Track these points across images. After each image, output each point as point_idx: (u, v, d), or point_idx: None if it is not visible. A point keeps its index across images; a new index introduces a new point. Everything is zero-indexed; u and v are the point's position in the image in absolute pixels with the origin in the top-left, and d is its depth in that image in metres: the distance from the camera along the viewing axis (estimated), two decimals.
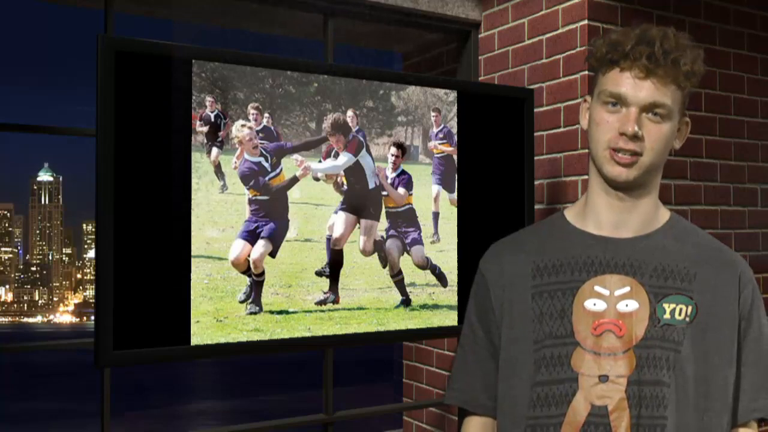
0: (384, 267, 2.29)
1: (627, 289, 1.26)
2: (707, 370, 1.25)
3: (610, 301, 1.26)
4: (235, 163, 2.05)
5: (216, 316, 2.00)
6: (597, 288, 1.27)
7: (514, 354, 1.31)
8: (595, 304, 1.26)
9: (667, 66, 1.21)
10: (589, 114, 1.30)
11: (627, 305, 1.25)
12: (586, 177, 2.54)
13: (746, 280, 1.31)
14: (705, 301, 1.27)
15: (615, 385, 1.23)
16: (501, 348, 1.34)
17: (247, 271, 2.07)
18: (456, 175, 2.41)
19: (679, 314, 1.25)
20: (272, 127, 2.10)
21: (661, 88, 1.22)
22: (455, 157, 2.41)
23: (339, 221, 2.21)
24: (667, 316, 1.25)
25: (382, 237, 2.29)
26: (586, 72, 2.56)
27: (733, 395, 1.28)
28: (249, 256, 2.07)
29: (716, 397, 1.25)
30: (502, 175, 2.49)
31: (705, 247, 1.33)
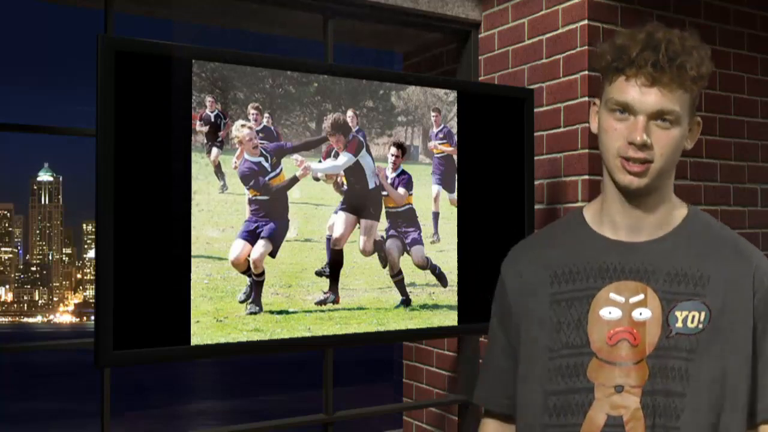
0: (384, 267, 2.29)
1: (641, 296, 1.26)
2: (723, 372, 1.24)
3: (625, 309, 1.26)
4: (235, 163, 2.05)
5: (216, 316, 2.00)
6: (612, 296, 1.27)
7: (532, 361, 1.32)
8: (610, 313, 1.26)
9: (673, 72, 1.20)
10: (597, 119, 1.30)
11: (641, 314, 1.25)
12: (586, 177, 2.55)
13: (761, 275, 1.29)
14: (719, 303, 1.25)
15: (630, 395, 1.23)
16: (520, 353, 1.36)
17: (247, 271, 2.07)
18: (456, 175, 2.41)
19: (692, 322, 1.24)
20: (272, 127, 2.10)
21: (667, 95, 1.21)
22: (455, 157, 2.41)
23: (339, 221, 2.21)
24: (679, 324, 1.24)
25: (382, 237, 2.29)
26: (586, 72, 2.56)
27: (749, 394, 1.27)
28: (249, 256, 2.07)
29: (733, 398, 1.25)
30: (502, 175, 2.49)
31: (719, 246, 1.32)
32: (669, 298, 1.25)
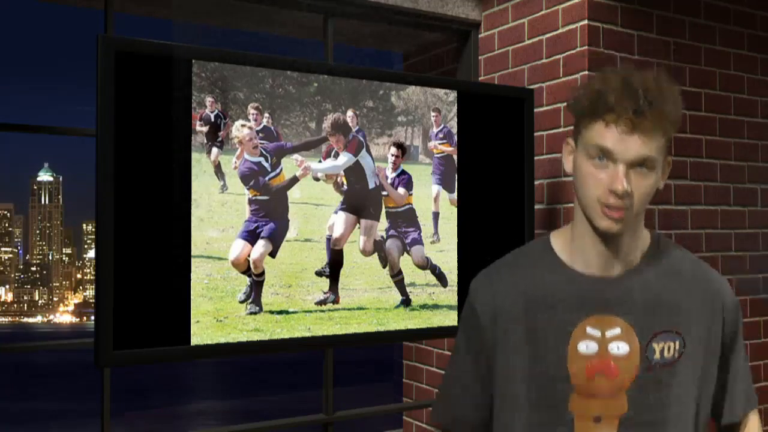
0: (384, 267, 2.29)
1: (617, 330, 1.28)
2: (698, 395, 1.30)
3: (602, 343, 1.28)
4: (235, 163, 2.05)
5: (216, 316, 2.00)
6: (589, 330, 1.29)
7: (510, 392, 1.33)
8: (587, 347, 1.29)
9: (654, 117, 1.20)
10: (573, 160, 1.30)
11: (618, 347, 1.28)
12: None
13: (730, 307, 1.36)
14: (691, 332, 1.31)
15: (609, 425, 1.26)
16: (495, 383, 1.36)
17: (247, 271, 2.07)
18: (456, 175, 2.41)
19: (668, 352, 1.29)
20: (272, 127, 2.10)
21: (647, 142, 1.21)
22: (455, 157, 2.41)
23: (339, 221, 2.21)
24: (657, 356, 1.28)
25: (382, 237, 2.29)
26: (586, 72, 2.56)
27: (717, 406, 1.38)
28: (249, 256, 2.07)
29: (706, 414, 1.33)
30: (502, 175, 2.49)
31: (689, 278, 1.36)
32: (646, 332, 1.29)
